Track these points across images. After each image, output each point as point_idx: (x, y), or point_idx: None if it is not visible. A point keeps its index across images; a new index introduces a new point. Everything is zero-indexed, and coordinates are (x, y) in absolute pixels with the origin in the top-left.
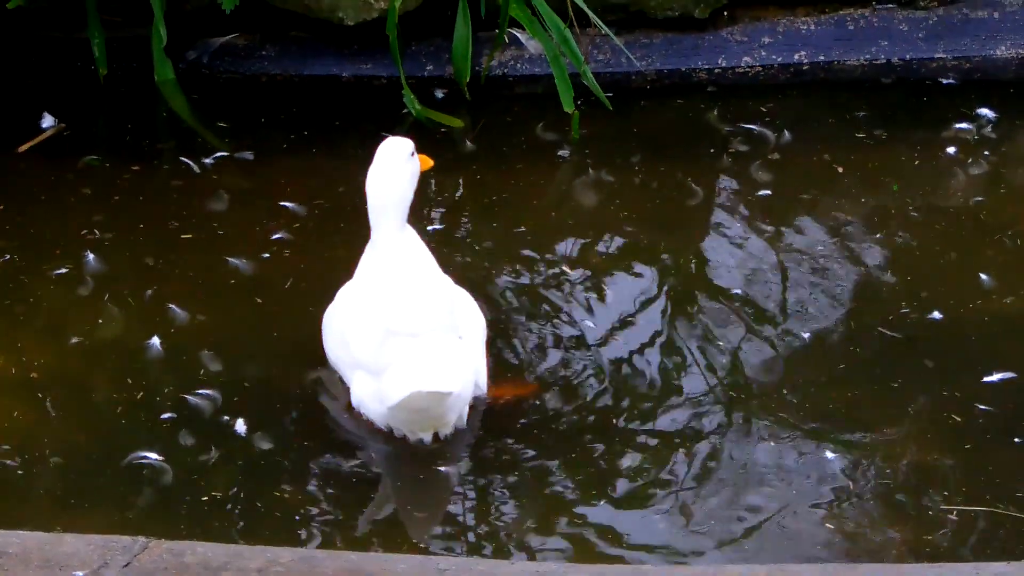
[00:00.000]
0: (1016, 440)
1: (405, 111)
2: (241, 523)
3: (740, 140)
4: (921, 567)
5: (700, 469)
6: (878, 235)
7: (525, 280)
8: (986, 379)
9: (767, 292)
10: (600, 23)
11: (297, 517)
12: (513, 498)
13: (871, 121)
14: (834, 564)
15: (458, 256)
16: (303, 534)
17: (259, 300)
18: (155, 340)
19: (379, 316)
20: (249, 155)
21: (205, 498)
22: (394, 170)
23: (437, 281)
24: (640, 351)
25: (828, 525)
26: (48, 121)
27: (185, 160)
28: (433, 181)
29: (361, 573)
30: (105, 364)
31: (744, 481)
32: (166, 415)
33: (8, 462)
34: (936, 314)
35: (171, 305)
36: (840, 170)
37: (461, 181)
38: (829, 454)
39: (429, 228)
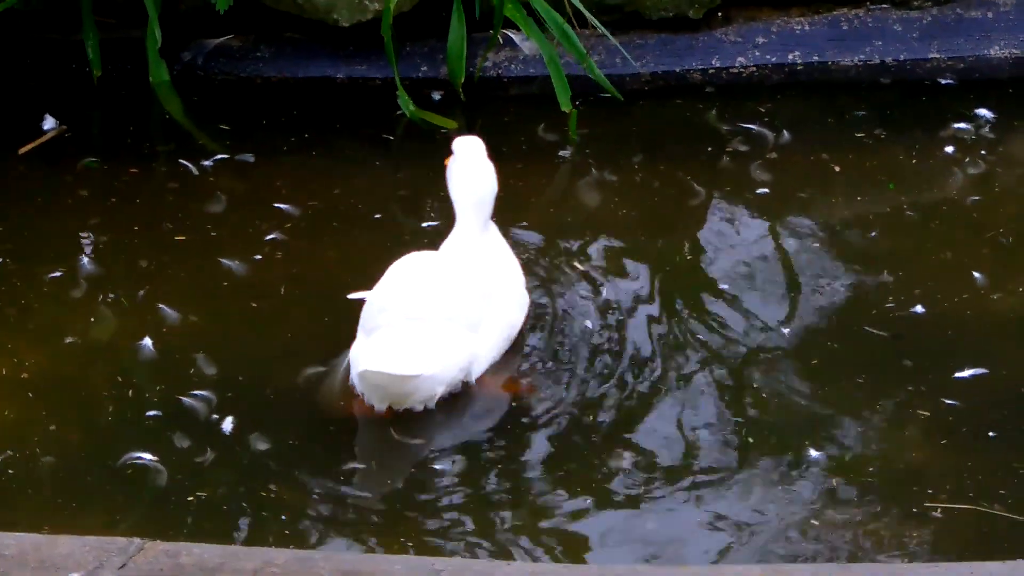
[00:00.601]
0: (991, 435)
1: (400, 112)
2: (236, 524)
3: (739, 140)
4: (915, 567)
5: (689, 469)
6: (873, 234)
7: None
8: (958, 375)
9: (762, 291)
10: (597, 23)
11: (293, 517)
12: (510, 498)
13: (870, 121)
14: (828, 564)
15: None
16: (299, 535)
17: (252, 302)
18: (147, 341)
19: (383, 290)
20: (250, 157)
21: (200, 499)
22: (481, 167)
23: (462, 274)
24: (636, 350)
25: (814, 522)
26: (49, 123)
27: (184, 162)
28: (434, 182)
29: (357, 574)
30: (98, 365)
31: (733, 481)
32: (160, 416)
33: (2, 463)
34: (927, 312)
35: (163, 306)
36: (838, 169)
37: None
38: (814, 452)
39: (424, 224)
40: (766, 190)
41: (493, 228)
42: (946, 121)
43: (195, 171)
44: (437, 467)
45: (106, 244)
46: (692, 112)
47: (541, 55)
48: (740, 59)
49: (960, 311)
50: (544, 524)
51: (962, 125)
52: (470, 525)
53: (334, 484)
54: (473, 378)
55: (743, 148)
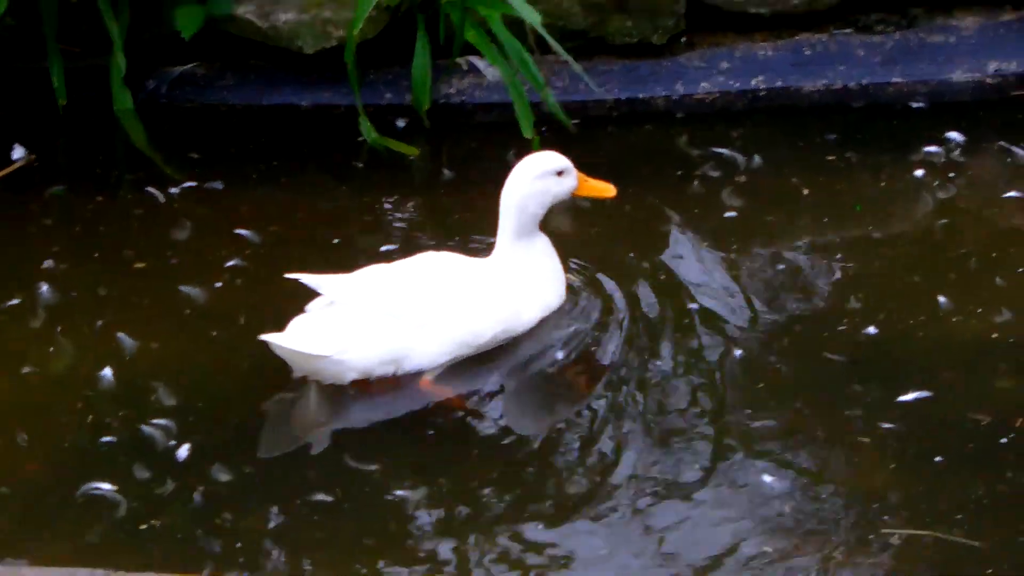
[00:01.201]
0: (937, 459)
1: (363, 139)
2: (195, 553)
3: (711, 164)
4: None
5: (642, 491)
6: (839, 256)
7: None
8: (902, 398)
9: (727, 314)
10: (560, 49)
11: (250, 546)
12: (468, 523)
13: (840, 144)
14: None
15: None
16: (256, 564)
17: (212, 330)
18: (107, 371)
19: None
20: (218, 185)
21: (156, 528)
22: (519, 182)
23: (423, 271)
24: (595, 371)
25: (767, 549)
26: (18, 152)
27: (151, 190)
28: (397, 206)
29: None
30: (58, 394)
31: (685, 506)
32: (119, 444)
33: None
34: (881, 335)
35: (123, 335)
36: (807, 192)
37: (431, 205)
38: (767, 478)
39: (383, 248)
40: (734, 213)
41: (540, 243)
42: (917, 144)
43: (162, 199)
44: (397, 494)
45: (67, 272)
46: (662, 137)
47: (505, 81)
48: (704, 84)
49: (916, 334)
50: (502, 548)
51: (932, 148)
52: (427, 551)
53: (293, 510)
54: (404, 371)
55: (714, 173)
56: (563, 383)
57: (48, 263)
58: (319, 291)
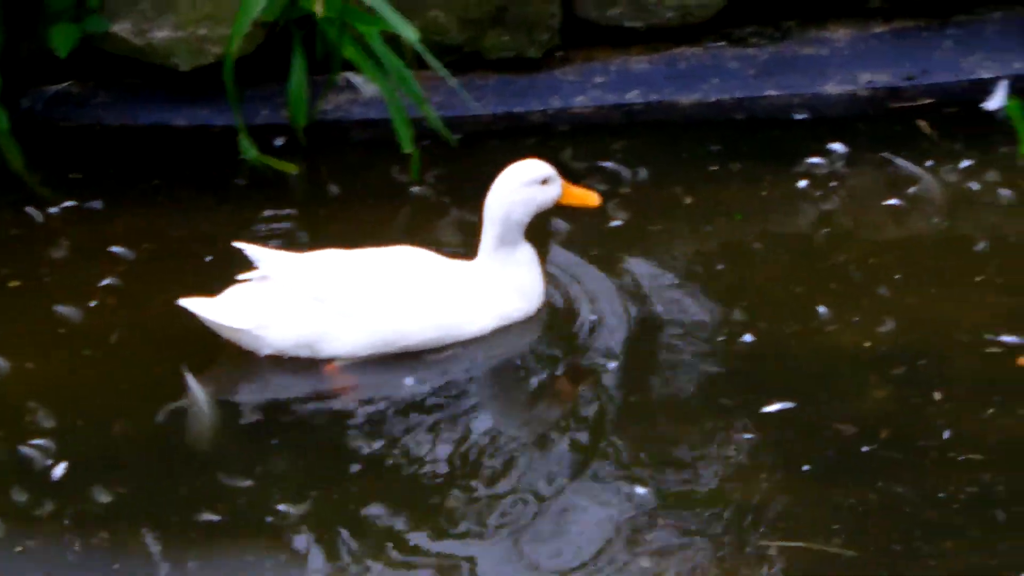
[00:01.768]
0: (804, 468)
1: (243, 157)
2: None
3: (596, 177)
4: None
5: (514, 505)
6: (721, 266)
7: None
8: (766, 409)
9: (610, 323)
10: (437, 64)
11: (131, 565)
12: (352, 537)
13: (725, 156)
14: None
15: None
16: None
17: (86, 349)
18: None
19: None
20: (98, 204)
21: (35, 549)
22: (504, 190)
23: (376, 270)
24: (467, 389)
25: (645, 565)
26: None
27: (30, 210)
28: (273, 223)
29: None
30: None
31: (555, 519)
32: None
33: None
34: (763, 345)
35: None
36: (689, 202)
37: (310, 221)
38: (640, 489)
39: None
40: (619, 223)
41: (522, 252)
42: (800, 155)
43: (40, 219)
44: (279, 509)
45: None
46: (547, 150)
47: (383, 97)
48: (580, 98)
49: (793, 344)
50: (383, 561)
51: (815, 160)
52: (311, 568)
53: (170, 533)
54: (320, 355)
55: (599, 186)
56: (477, 395)
57: None
58: (255, 263)
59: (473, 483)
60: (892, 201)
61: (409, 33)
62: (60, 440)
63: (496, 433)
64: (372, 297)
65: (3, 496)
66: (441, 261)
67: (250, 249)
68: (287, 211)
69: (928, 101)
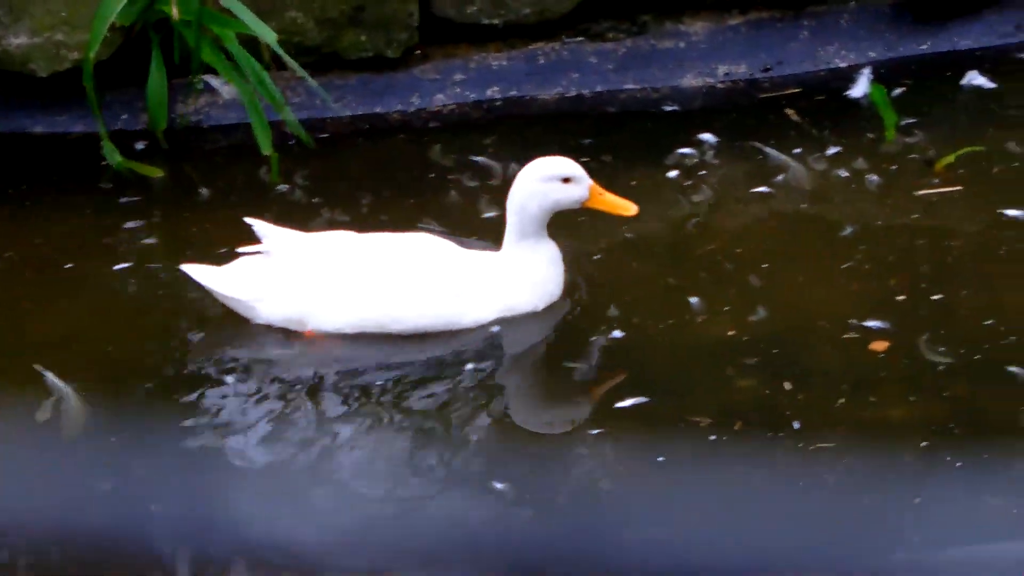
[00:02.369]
0: (660, 459)
1: (105, 163)
2: None
3: (468, 174)
4: None
5: (392, 495)
6: (595, 258)
7: None
8: (619, 404)
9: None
10: (295, 66)
11: None
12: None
13: (596, 148)
14: None
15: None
16: None
17: None
18: None
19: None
20: None
21: None
22: (522, 183)
23: (375, 254)
24: (344, 386)
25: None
26: None
27: None
28: (137, 227)
29: None
30: None
31: (435, 507)
32: None
33: None
34: (631, 339)
35: None
36: None
37: (173, 224)
38: (499, 484)
39: (116, 267)
40: (493, 214)
41: (544, 247)
42: (671, 146)
43: None
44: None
45: None
46: (417, 148)
47: (242, 100)
48: (440, 96)
49: (662, 337)
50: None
51: (686, 150)
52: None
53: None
54: (307, 328)
55: (471, 183)
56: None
57: None
58: (260, 238)
59: (350, 485)
60: (761, 189)
61: (267, 34)
62: None
63: (372, 433)
64: (361, 279)
65: None
66: (452, 249)
67: (257, 225)
68: (154, 217)
69: (796, 90)
